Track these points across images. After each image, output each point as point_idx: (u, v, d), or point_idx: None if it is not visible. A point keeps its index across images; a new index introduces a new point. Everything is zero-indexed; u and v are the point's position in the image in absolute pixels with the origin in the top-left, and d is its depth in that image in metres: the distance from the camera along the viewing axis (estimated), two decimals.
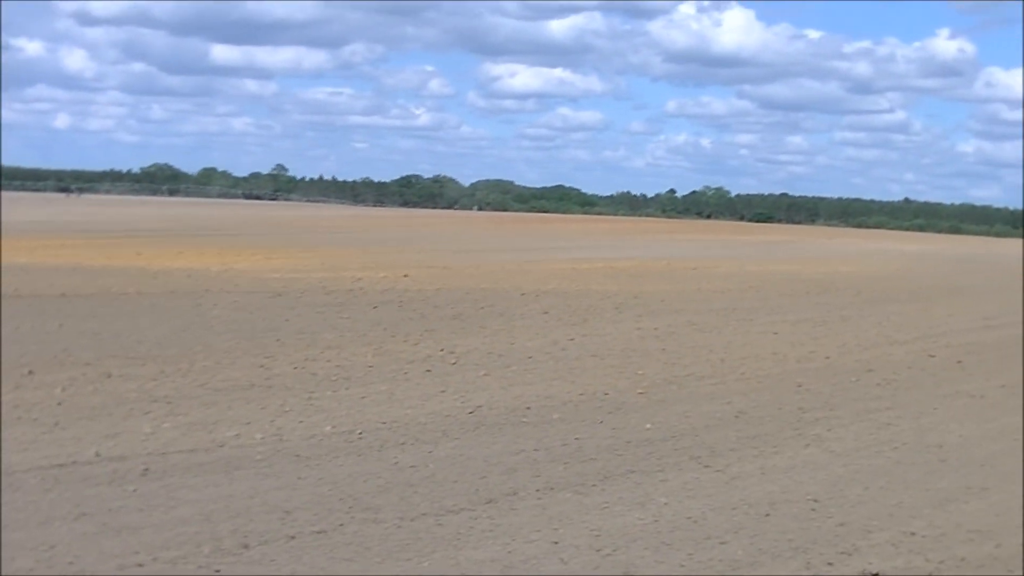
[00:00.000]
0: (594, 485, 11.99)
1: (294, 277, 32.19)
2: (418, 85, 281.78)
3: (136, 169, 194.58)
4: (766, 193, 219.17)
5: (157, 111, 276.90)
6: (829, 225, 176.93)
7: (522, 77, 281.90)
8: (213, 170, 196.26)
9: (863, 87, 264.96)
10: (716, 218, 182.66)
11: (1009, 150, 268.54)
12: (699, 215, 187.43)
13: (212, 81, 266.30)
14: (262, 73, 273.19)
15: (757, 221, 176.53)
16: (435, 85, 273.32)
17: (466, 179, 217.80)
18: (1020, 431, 16.01)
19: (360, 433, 13.74)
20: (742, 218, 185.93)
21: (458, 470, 12.31)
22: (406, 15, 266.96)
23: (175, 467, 11.88)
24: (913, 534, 10.83)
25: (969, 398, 18.63)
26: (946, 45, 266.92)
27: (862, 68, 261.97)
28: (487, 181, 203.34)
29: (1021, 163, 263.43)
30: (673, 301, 30.98)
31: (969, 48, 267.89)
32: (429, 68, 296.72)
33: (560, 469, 12.58)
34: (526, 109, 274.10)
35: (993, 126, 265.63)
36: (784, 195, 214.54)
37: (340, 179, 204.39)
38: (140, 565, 8.92)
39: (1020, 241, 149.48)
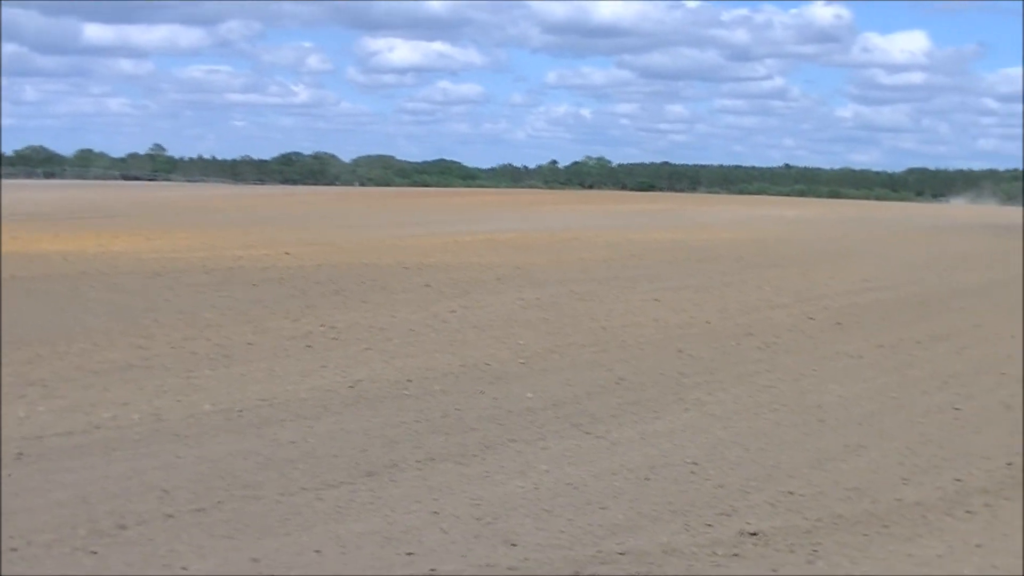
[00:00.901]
0: (475, 455, 12.03)
1: (173, 257, 31.89)
2: (296, 62, 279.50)
3: (9, 152, 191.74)
4: (647, 162, 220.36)
5: (30, 92, 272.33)
6: (710, 192, 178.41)
7: (401, 51, 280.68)
8: (90, 151, 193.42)
9: (742, 54, 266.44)
10: (598, 188, 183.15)
11: (887, 114, 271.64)
12: (581, 185, 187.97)
13: (86, 61, 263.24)
14: (137, 52, 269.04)
15: (639, 190, 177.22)
16: (314, 61, 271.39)
17: (347, 155, 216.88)
18: (897, 390, 16.26)
19: (240, 411, 13.67)
20: (624, 187, 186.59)
21: (338, 444, 12.29)
22: None
23: (51, 450, 11.76)
24: (791, 493, 10.96)
25: (848, 359, 18.85)
26: (823, 11, 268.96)
27: (740, 36, 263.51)
28: (368, 157, 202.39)
29: (898, 127, 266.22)
30: (555, 271, 31.08)
31: (846, 14, 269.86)
32: (307, 44, 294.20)
33: (441, 440, 12.60)
34: (406, 84, 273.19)
35: (870, 91, 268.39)
36: (665, 164, 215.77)
37: (220, 158, 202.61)
38: (14, 550, 8.83)
39: (899, 204, 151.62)
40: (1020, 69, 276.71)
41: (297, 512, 9.93)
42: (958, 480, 11.62)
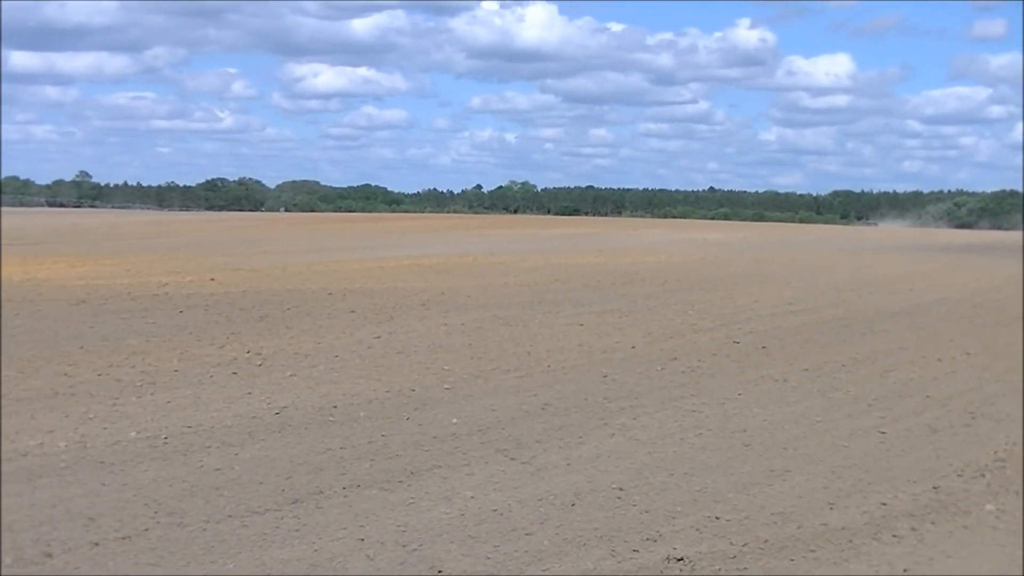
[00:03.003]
0: (400, 481, 11.97)
1: (98, 284, 31.66)
2: (221, 88, 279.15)
3: None
4: (572, 186, 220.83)
5: None
6: (635, 216, 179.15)
7: (325, 77, 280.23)
8: (15, 178, 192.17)
9: (666, 78, 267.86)
10: (523, 212, 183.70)
11: (811, 137, 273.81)
12: (506, 210, 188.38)
13: (11, 88, 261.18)
14: (62, 79, 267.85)
15: (563, 214, 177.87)
16: (238, 87, 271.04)
17: (272, 181, 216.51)
18: (822, 413, 16.33)
19: (165, 438, 13.55)
20: (548, 212, 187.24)
21: (263, 471, 12.20)
22: (207, 17, 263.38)
23: None
24: (717, 518, 10.97)
25: (773, 382, 18.91)
26: (747, 35, 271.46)
27: (664, 60, 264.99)
28: (293, 182, 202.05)
29: (823, 150, 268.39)
30: (479, 296, 31.05)
31: (770, 37, 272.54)
32: (232, 70, 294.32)
33: (366, 467, 12.54)
34: (330, 109, 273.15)
35: (794, 114, 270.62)
36: (590, 188, 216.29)
37: (145, 184, 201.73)
38: None
39: (823, 227, 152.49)
40: (943, 91, 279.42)
41: (222, 539, 9.85)
42: (884, 504, 11.67)
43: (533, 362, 19.96)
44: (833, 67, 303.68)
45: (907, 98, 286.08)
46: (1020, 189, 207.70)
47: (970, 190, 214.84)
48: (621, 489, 11.91)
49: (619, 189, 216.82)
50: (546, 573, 9.20)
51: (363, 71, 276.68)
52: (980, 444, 14.59)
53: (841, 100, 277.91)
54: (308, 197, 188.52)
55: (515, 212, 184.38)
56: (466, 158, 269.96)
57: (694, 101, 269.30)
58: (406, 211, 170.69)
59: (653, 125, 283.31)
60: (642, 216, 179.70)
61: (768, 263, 52.38)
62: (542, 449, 13.61)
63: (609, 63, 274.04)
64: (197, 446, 13.24)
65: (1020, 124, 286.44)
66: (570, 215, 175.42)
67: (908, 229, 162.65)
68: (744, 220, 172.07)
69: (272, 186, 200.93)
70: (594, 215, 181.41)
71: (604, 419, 15.49)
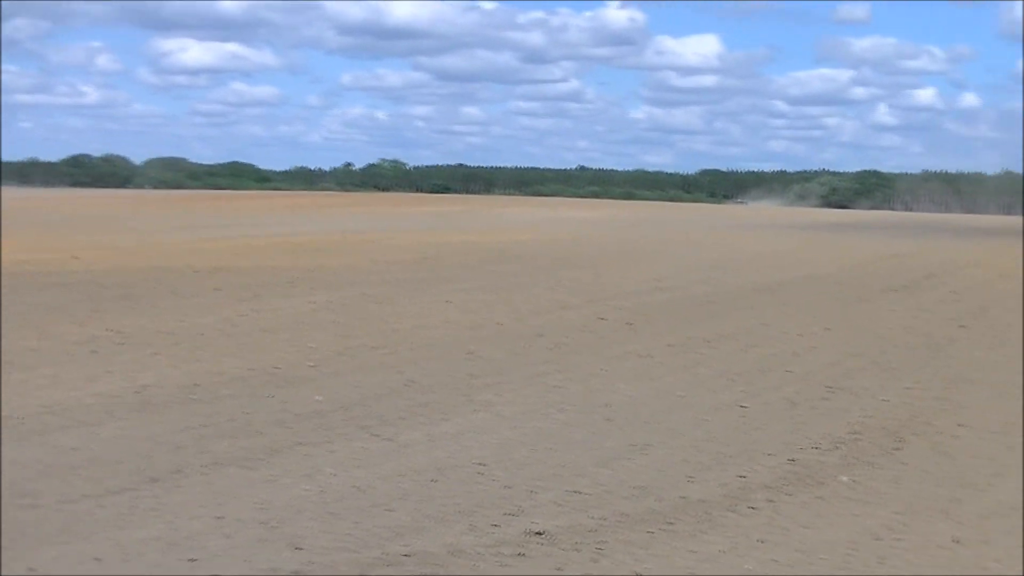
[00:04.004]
0: (261, 459, 11.89)
1: None
2: (86, 62, 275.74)
3: None
4: (443, 164, 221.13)
5: None
6: (506, 195, 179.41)
7: (194, 52, 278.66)
8: None
9: (537, 57, 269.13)
10: (394, 190, 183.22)
11: (679, 116, 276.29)
12: (376, 188, 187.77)
13: None
14: None
15: (434, 192, 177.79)
16: (104, 61, 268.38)
17: (139, 157, 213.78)
18: (684, 389, 16.48)
19: (21, 418, 13.34)
20: (419, 190, 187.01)
21: (122, 450, 12.06)
22: None
23: None
24: (578, 492, 11.02)
25: (637, 358, 19.05)
26: (617, 14, 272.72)
27: (536, 38, 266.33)
28: (160, 159, 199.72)
29: (691, 129, 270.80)
30: (348, 274, 31.00)
31: (640, 17, 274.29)
32: (97, 44, 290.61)
33: (227, 445, 12.44)
34: (198, 85, 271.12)
35: (664, 93, 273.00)
36: (461, 166, 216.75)
37: (7, 160, 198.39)
38: None
39: (692, 205, 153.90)
40: (808, 73, 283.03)
41: (77, 519, 9.71)
42: (742, 477, 11.80)
43: (399, 340, 19.94)
44: (702, 47, 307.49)
45: (774, 79, 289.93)
46: (884, 170, 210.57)
47: (834, 170, 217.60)
48: (483, 465, 11.93)
49: (490, 167, 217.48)
50: (406, 549, 9.18)
51: (232, 47, 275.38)
52: (837, 417, 14.80)
53: (709, 80, 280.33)
54: (176, 174, 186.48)
55: (386, 190, 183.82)
56: (337, 136, 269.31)
57: (565, 80, 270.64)
58: (276, 189, 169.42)
59: (524, 103, 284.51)
60: (513, 194, 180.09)
61: (637, 241, 52.79)
62: (405, 426, 13.59)
63: (480, 41, 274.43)
64: (54, 426, 13.04)
65: (882, 105, 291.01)
66: (441, 193, 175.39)
67: (775, 208, 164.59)
68: (614, 198, 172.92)
69: (139, 162, 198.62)
70: (465, 193, 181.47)
71: (468, 395, 15.51)
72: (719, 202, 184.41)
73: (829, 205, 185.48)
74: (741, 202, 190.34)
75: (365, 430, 13.31)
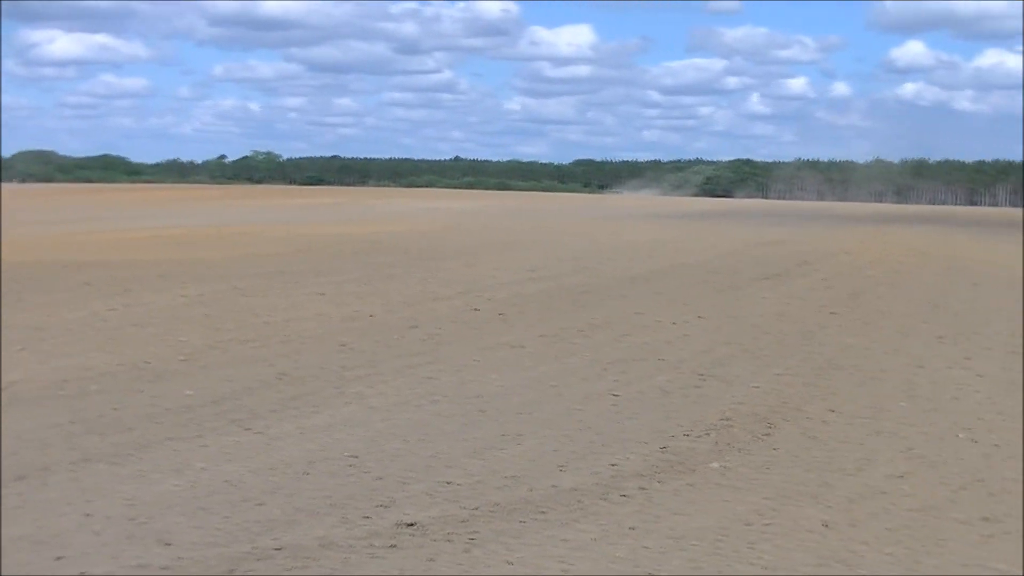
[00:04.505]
0: (130, 455, 11.75)
1: None
2: None
3: None
4: (316, 156, 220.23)
5: None
6: (380, 186, 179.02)
7: (62, 43, 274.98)
8: None
9: (410, 48, 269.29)
10: (267, 183, 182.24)
11: (553, 107, 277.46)
12: (249, 180, 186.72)
13: None
14: None
15: (308, 184, 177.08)
16: None
17: (6, 151, 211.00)
18: (557, 378, 16.52)
19: None
20: (293, 182, 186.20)
21: None
22: None
23: None
24: (450, 483, 11.01)
25: (510, 348, 19.06)
26: (491, 5, 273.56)
27: (409, 29, 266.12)
28: (29, 152, 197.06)
29: (565, 120, 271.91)
30: (220, 267, 30.75)
31: (513, 8, 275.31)
32: None
33: (96, 441, 12.28)
34: (67, 77, 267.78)
35: (537, 84, 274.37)
36: (335, 157, 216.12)
37: None
38: None
39: (567, 195, 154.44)
40: (681, 63, 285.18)
41: None
42: (614, 465, 11.84)
43: (271, 332, 19.81)
44: (575, 38, 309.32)
45: (647, 69, 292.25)
46: (757, 159, 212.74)
47: (709, 159, 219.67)
48: (355, 457, 11.89)
49: (364, 159, 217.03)
50: (277, 542, 9.12)
51: (101, 38, 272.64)
52: (708, 405, 14.91)
53: (583, 70, 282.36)
54: (45, 168, 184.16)
55: (259, 182, 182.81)
56: (209, 127, 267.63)
57: (438, 71, 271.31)
58: (147, 181, 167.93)
59: (398, 94, 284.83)
60: (387, 186, 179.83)
61: (511, 232, 52.89)
62: (276, 419, 13.50)
63: (353, 32, 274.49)
64: None
65: (754, 94, 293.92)
66: (315, 185, 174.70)
67: (649, 197, 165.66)
68: (488, 189, 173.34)
69: (7, 156, 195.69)
70: (339, 185, 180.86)
71: (340, 388, 15.44)
72: (593, 192, 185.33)
73: (705, 194, 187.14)
74: (616, 192, 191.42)
75: (236, 424, 13.20)
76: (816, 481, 11.49)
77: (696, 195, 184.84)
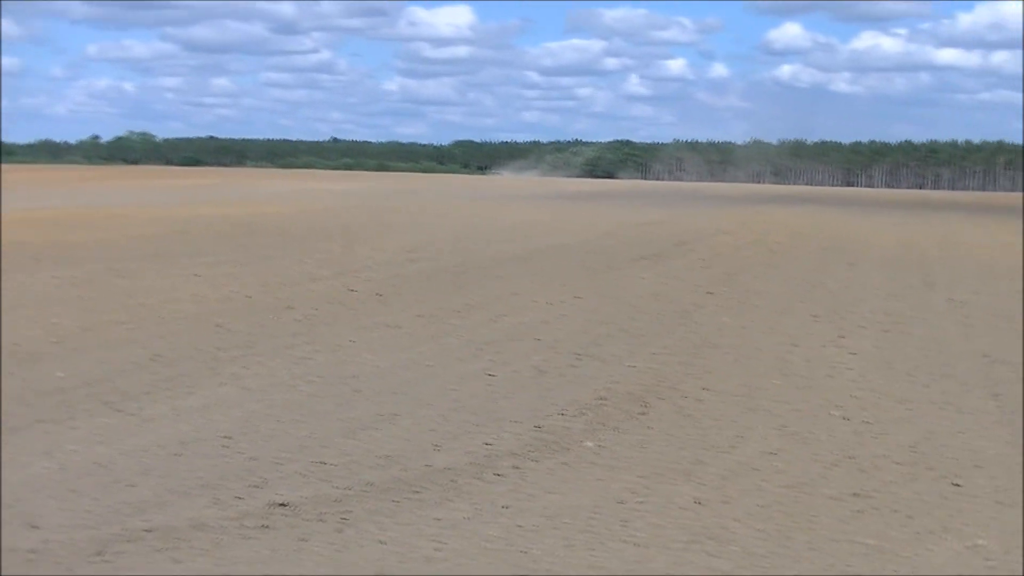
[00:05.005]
0: None
1: None
2: None
3: None
4: (193, 136, 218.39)
5: None
6: (258, 167, 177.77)
7: None
8: None
9: (288, 27, 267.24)
10: (143, 163, 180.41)
11: (432, 88, 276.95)
12: (125, 161, 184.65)
13: None
14: None
15: (185, 165, 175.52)
16: None
17: None
18: (433, 358, 16.51)
19: None
20: (169, 162, 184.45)
21: None
22: None
23: None
24: (323, 463, 10.98)
25: (387, 329, 19.03)
26: None
27: (286, 9, 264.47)
28: None
29: (445, 100, 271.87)
30: (94, 249, 30.39)
31: None
32: None
33: None
34: None
35: (416, 64, 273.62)
36: (212, 138, 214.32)
37: None
38: None
39: (446, 176, 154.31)
40: (560, 43, 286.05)
41: None
42: (488, 444, 11.87)
43: (146, 314, 19.62)
44: (454, 18, 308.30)
45: (526, 50, 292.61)
46: (636, 139, 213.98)
47: (588, 140, 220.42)
48: (228, 438, 11.82)
49: (242, 139, 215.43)
50: (147, 524, 9.04)
51: None
52: (584, 384, 14.99)
53: (462, 51, 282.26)
54: None
55: (135, 163, 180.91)
56: (83, 108, 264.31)
57: (316, 51, 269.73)
58: (19, 163, 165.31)
59: (275, 75, 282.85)
60: (265, 167, 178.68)
61: (389, 213, 52.77)
62: (150, 400, 13.39)
63: (230, 11, 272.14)
64: None
65: (633, 76, 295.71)
66: (192, 166, 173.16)
67: (529, 178, 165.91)
68: (367, 170, 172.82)
69: None
70: (216, 166, 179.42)
71: (215, 368, 15.34)
72: (473, 173, 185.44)
73: (587, 175, 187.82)
74: (496, 173, 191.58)
75: (108, 406, 13.07)
76: (689, 459, 11.59)
77: (577, 176, 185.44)
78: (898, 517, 9.87)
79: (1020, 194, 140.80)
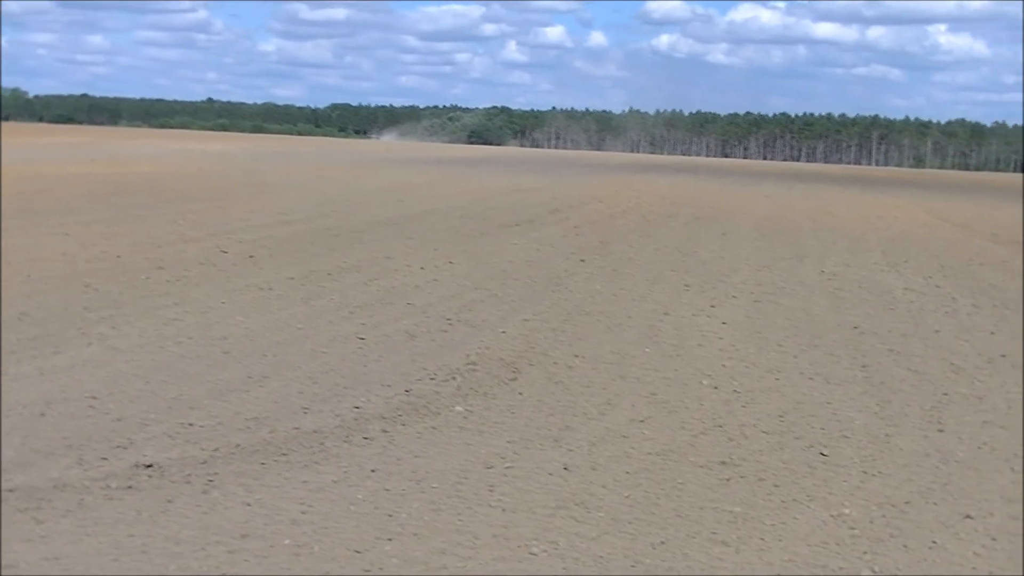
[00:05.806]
0: None
1: None
2: None
3: None
4: (66, 94, 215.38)
5: None
6: (132, 126, 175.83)
7: None
8: None
9: None
10: (14, 120, 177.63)
11: (309, 50, 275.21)
12: None
13: None
14: None
15: (57, 123, 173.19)
16: None
17: None
18: (304, 321, 16.45)
19: None
20: (41, 120, 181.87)
21: None
22: None
23: None
24: (190, 425, 10.92)
25: (258, 291, 18.91)
26: None
27: None
28: None
29: (322, 63, 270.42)
30: None
31: None
32: None
33: None
34: None
35: (293, 26, 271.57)
36: (85, 96, 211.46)
37: None
38: None
39: (322, 139, 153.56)
40: (439, 8, 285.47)
41: None
42: (357, 408, 11.86)
43: (12, 272, 19.31)
44: None
45: (405, 14, 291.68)
46: (513, 107, 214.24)
47: (465, 106, 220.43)
48: (94, 398, 11.71)
49: (115, 98, 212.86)
50: (9, 484, 8.95)
51: None
52: (454, 349, 15.01)
53: (339, 13, 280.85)
54: None
55: (6, 119, 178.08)
56: None
57: (193, 10, 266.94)
58: None
59: (151, 33, 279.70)
60: (139, 126, 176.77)
61: (264, 174, 52.47)
62: (15, 360, 13.21)
63: None
64: None
65: (511, 42, 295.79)
66: (64, 124, 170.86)
67: (405, 142, 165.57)
68: (243, 132, 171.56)
69: None
70: (89, 124, 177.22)
71: (83, 328, 15.16)
72: (349, 136, 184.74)
73: (462, 141, 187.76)
74: (373, 136, 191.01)
75: None
76: (559, 425, 11.66)
77: (454, 141, 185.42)
78: (765, 485, 10.00)
79: (892, 167, 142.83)
